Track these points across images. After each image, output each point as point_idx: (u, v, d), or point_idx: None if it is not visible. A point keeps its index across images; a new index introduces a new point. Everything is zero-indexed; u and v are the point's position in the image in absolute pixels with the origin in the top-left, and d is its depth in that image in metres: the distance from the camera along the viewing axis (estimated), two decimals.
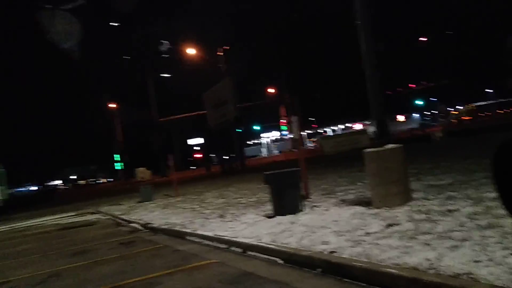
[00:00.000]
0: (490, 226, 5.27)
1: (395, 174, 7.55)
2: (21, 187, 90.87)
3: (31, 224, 18.93)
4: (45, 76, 76.58)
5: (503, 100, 72.65)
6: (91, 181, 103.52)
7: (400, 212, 6.92)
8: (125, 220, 13.83)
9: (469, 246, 4.68)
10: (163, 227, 10.59)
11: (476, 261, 4.19)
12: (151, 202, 17.98)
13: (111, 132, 65.99)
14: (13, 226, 18.97)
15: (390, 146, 7.82)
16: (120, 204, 19.62)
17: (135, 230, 11.67)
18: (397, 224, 6.20)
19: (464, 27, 60.52)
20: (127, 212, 15.84)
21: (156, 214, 13.47)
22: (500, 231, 4.98)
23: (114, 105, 63.63)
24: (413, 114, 77.90)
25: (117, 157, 65.54)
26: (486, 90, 76.10)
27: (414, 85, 71.38)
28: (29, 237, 14.18)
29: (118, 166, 66.25)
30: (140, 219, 12.81)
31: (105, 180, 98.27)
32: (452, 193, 7.83)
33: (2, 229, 18.32)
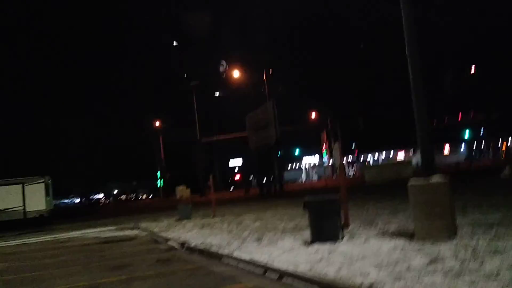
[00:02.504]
0: None
1: (440, 208, 7.30)
2: (66, 198, 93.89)
3: (73, 236, 19.43)
4: (95, 91, 79.61)
5: None
6: (131, 196, 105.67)
7: (445, 248, 6.65)
8: (163, 238, 13.96)
9: None
10: (199, 247, 10.61)
11: None
12: (189, 220, 18.11)
13: (154, 149, 67.51)
14: (55, 237, 19.53)
15: (436, 178, 7.58)
16: (159, 221, 19.86)
17: (172, 248, 11.75)
18: (441, 261, 5.95)
19: None
20: (165, 229, 16.00)
21: (193, 233, 13.53)
22: None
23: (158, 123, 65.20)
24: (460, 147, 75.47)
25: (159, 174, 66.84)
26: None
27: (461, 116, 69.38)
28: (70, 249, 14.53)
29: (159, 183, 67.48)
30: (177, 238, 12.89)
31: (145, 196, 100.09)
32: (500, 231, 7.47)
33: (45, 239, 18.89)
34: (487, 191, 15.79)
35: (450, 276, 5.20)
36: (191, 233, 13.68)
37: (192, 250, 10.85)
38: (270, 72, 40.69)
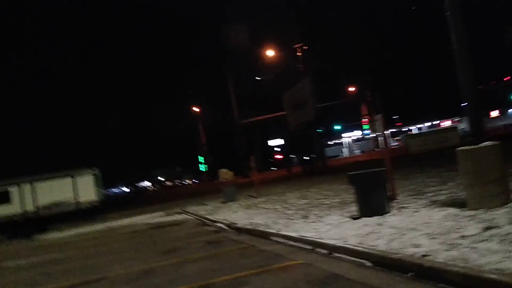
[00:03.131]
0: None
1: (492, 173, 7.04)
2: (114, 188, 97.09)
3: (124, 223, 20.12)
4: (137, 81, 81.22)
5: None
6: (177, 182, 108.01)
7: (499, 214, 6.43)
8: (211, 220, 14.22)
9: None
10: (247, 227, 10.73)
11: None
12: (234, 202, 18.35)
13: (195, 134, 68.44)
14: (108, 225, 20.29)
15: (485, 143, 7.30)
16: (205, 205, 20.23)
17: (221, 230, 11.96)
18: (497, 227, 5.76)
19: None
20: (212, 212, 16.29)
21: (239, 214, 13.71)
22: None
23: (197, 108, 65.88)
24: (509, 110, 72.31)
25: (201, 159, 67.84)
26: None
27: (509, 77, 66.25)
28: (123, 236, 15.06)
29: (202, 167, 68.55)
30: (224, 219, 13.10)
31: (190, 181, 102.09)
32: None
33: (98, 228, 19.65)
34: None
35: (507, 242, 5.03)
36: (237, 214, 13.86)
37: (240, 230, 11.00)
38: (305, 48, 40.08)
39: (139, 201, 41.43)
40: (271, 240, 8.91)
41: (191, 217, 17.41)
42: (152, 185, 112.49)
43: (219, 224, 12.92)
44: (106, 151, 69.79)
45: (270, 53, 41.06)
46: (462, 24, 7.57)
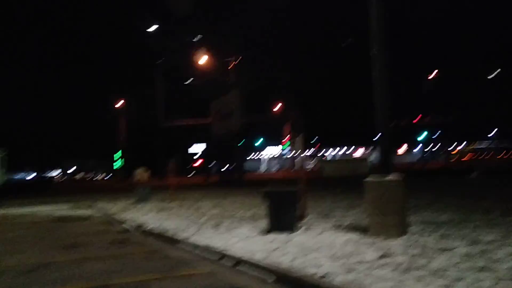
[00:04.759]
0: (484, 269, 5.25)
1: (393, 205, 7.55)
2: (19, 174, 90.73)
3: (23, 212, 18.85)
4: (56, 66, 76.87)
5: (504, 145, 72.84)
6: (89, 176, 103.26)
7: (395, 244, 6.90)
8: (119, 219, 13.78)
9: (462, 287, 4.65)
10: (155, 230, 10.55)
11: None
12: (146, 204, 17.93)
13: (115, 128, 66.04)
14: (4, 213, 18.89)
15: (391, 177, 7.82)
16: (115, 203, 19.57)
17: (128, 231, 11.63)
18: (391, 256, 6.17)
19: (477, 67, 60.95)
20: (121, 211, 15.78)
21: (150, 216, 13.42)
22: (494, 276, 4.96)
23: (120, 102, 63.72)
24: (415, 147, 77.95)
25: (118, 155, 65.54)
26: (490, 133, 76.28)
27: (419, 118, 71.52)
28: (20, 226, 14.10)
29: (117, 164, 66.19)
30: (134, 220, 12.76)
31: (102, 177, 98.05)
32: (448, 231, 7.81)
33: None
34: (439, 191, 16.38)
35: (399, 270, 5.41)
36: (148, 216, 13.56)
37: (148, 233, 10.78)
38: (238, 60, 40.50)
39: (44, 191, 39.05)
40: (178, 246, 8.82)
41: (98, 213, 16.73)
42: (60, 175, 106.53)
43: (127, 225, 12.55)
44: (16, 135, 65.22)
45: (202, 60, 40.98)
46: (385, 63, 8.10)
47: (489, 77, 56.99)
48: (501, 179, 21.40)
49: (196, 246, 8.31)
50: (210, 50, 42.22)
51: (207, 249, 7.91)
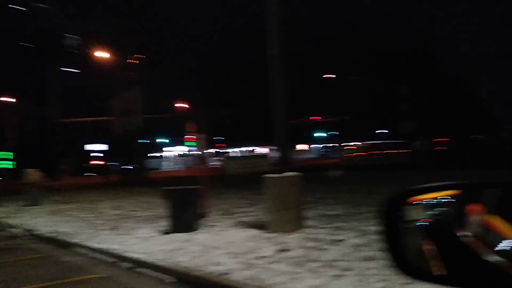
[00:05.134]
0: (371, 258, 5.65)
1: (290, 201, 7.83)
2: None
3: None
4: None
5: (395, 141, 79.23)
6: None
7: (292, 238, 7.17)
8: (7, 224, 12.73)
9: (351, 276, 4.97)
10: (48, 235, 9.92)
11: None
12: (39, 207, 16.75)
13: (2, 126, 60.76)
14: None
15: (289, 173, 8.12)
16: (2, 206, 18.03)
17: (16, 236, 10.79)
18: (288, 250, 6.41)
19: (370, 72, 65.61)
20: (10, 215, 14.58)
21: (42, 220, 12.57)
22: (379, 264, 5.36)
23: (8, 99, 58.79)
24: (314, 145, 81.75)
25: (4, 154, 60.33)
26: (382, 130, 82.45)
27: (318, 117, 75.11)
28: None
29: (5, 164, 60.93)
30: (23, 225, 11.87)
31: None
32: (341, 224, 8.30)
33: None
34: (333, 186, 17.31)
35: (294, 264, 5.64)
36: (40, 220, 12.69)
37: (39, 238, 10.09)
38: (140, 57, 39.42)
39: None
40: (73, 251, 8.38)
41: None
42: None
43: (16, 230, 11.63)
44: None
45: (101, 53, 39.24)
46: (281, 64, 8.38)
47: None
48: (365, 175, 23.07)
49: (93, 250, 7.95)
50: (111, 47, 40.60)
51: (104, 252, 7.61)
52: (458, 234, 1.91)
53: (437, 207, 2.21)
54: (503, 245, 1.40)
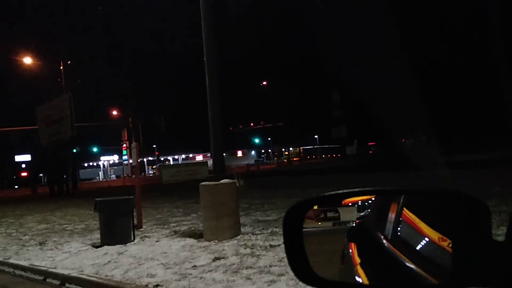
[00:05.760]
0: None
1: (227, 208, 7.84)
2: None
3: None
4: None
5: (326, 146, 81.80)
6: None
7: (228, 246, 7.18)
8: None
9: (285, 281, 5.05)
10: None
11: None
12: None
13: None
14: None
15: (225, 180, 8.13)
16: None
17: None
18: (224, 258, 6.40)
19: (302, 78, 67.18)
20: None
21: None
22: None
23: None
24: (251, 151, 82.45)
25: None
26: (315, 136, 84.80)
27: (252, 124, 75.92)
28: None
29: None
30: None
31: None
32: (276, 229, 8.40)
33: None
34: (271, 191, 17.52)
35: (230, 272, 5.64)
36: None
37: None
38: (68, 62, 37.86)
39: None
40: None
41: None
42: None
43: None
44: None
45: (26, 60, 37.35)
46: (216, 71, 8.42)
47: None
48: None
49: (17, 267, 7.51)
50: (37, 51, 38.75)
51: (30, 269, 7.21)
52: (378, 236, 2.00)
53: (365, 209, 2.30)
54: (420, 246, 1.49)
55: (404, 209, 1.70)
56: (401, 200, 1.73)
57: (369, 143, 73.06)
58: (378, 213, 2.15)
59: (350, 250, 2.11)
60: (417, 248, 1.48)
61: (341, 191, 1.20)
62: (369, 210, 2.22)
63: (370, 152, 67.63)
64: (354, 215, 2.27)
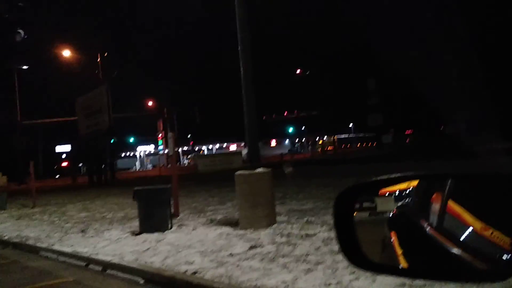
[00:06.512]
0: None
1: (262, 197, 7.86)
2: None
3: None
4: None
5: (362, 135, 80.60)
6: None
7: (264, 235, 7.20)
8: None
9: (322, 269, 5.04)
10: (15, 240, 9.66)
11: (326, 284, 4.52)
12: (3, 211, 16.28)
13: None
14: None
15: (259, 170, 8.14)
16: None
17: None
18: (260, 246, 6.44)
19: (336, 66, 66.33)
20: None
21: (7, 225, 12.23)
22: None
23: None
24: (285, 140, 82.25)
25: None
26: (350, 124, 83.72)
27: (286, 113, 75.63)
28: None
29: None
30: None
31: None
32: (311, 218, 8.38)
33: None
34: (304, 181, 17.47)
35: (266, 260, 5.67)
36: (4, 225, 12.35)
37: (5, 243, 9.82)
38: (105, 55, 38.60)
39: None
40: (41, 255, 8.19)
41: None
42: None
43: None
44: None
45: (65, 52, 38.32)
46: (250, 61, 8.40)
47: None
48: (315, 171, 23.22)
49: (61, 253, 7.79)
50: (75, 44, 39.73)
51: (73, 255, 7.47)
52: (421, 225, 1.96)
53: (403, 199, 2.26)
54: (465, 235, 1.45)
55: (448, 197, 1.66)
56: (447, 187, 1.68)
57: (406, 132, 71.55)
58: (421, 201, 2.11)
59: (392, 239, 2.07)
60: (462, 236, 1.45)
61: (393, 176, 1.17)
62: (407, 200, 2.18)
63: (408, 141, 66.22)
64: (391, 205, 2.23)
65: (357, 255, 1.14)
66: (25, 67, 42.24)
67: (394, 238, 2.07)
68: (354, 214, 1.22)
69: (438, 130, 62.70)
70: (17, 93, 42.28)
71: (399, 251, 1.92)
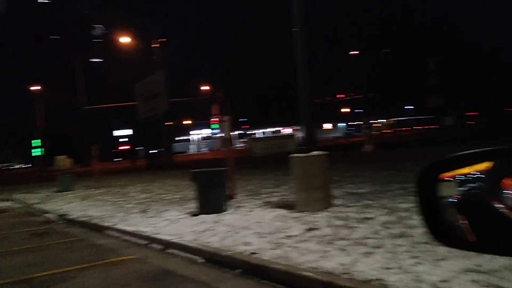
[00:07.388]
0: (401, 235, 5.58)
1: (318, 180, 7.79)
2: None
3: None
4: None
5: (421, 117, 77.81)
6: (3, 166, 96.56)
7: (321, 217, 7.15)
8: (40, 210, 13.12)
9: (381, 253, 4.93)
10: (80, 219, 10.18)
11: (386, 268, 4.42)
12: (70, 192, 17.20)
13: (31, 115, 62.22)
14: None
15: (315, 153, 8.06)
16: (36, 193, 18.58)
17: (50, 221, 11.12)
18: (317, 229, 6.40)
19: (394, 47, 64.21)
20: (43, 201, 15.03)
21: (74, 205, 12.91)
22: (410, 241, 5.30)
23: (36, 87, 59.99)
24: (339, 124, 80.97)
25: (36, 142, 61.87)
26: (407, 106, 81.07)
27: (342, 96, 74.20)
28: None
29: (36, 152, 62.55)
30: (56, 210, 12.21)
31: (21, 166, 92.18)
32: (369, 202, 8.21)
33: None
34: (360, 164, 17.16)
35: (324, 242, 5.62)
36: (72, 205, 13.04)
37: (72, 222, 10.37)
38: (162, 41, 39.45)
39: None
40: (105, 234, 8.58)
41: (18, 205, 15.82)
42: None
43: (49, 215, 11.99)
44: None
45: (124, 39, 39.46)
46: (306, 42, 8.25)
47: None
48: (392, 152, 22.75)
49: (124, 232, 8.12)
50: (133, 31, 40.81)
51: (135, 234, 7.76)
52: (493, 205, 1.85)
53: (469, 183, 2.15)
54: None
55: None
56: None
57: (467, 113, 68.33)
58: (494, 182, 1.99)
59: (462, 222, 1.98)
60: None
61: (480, 149, 1.10)
62: (472, 185, 2.08)
63: (470, 122, 63.23)
64: (453, 190, 2.13)
65: (447, 233, 1.07)
66: (92, 60, 44.03)
67: (465, 222, 1.98)
68: (439, 193, 1.15)
69: (505, 112, 59.44)
70: (81, 80, 44.18)
71: (471, 234, 1.83)
